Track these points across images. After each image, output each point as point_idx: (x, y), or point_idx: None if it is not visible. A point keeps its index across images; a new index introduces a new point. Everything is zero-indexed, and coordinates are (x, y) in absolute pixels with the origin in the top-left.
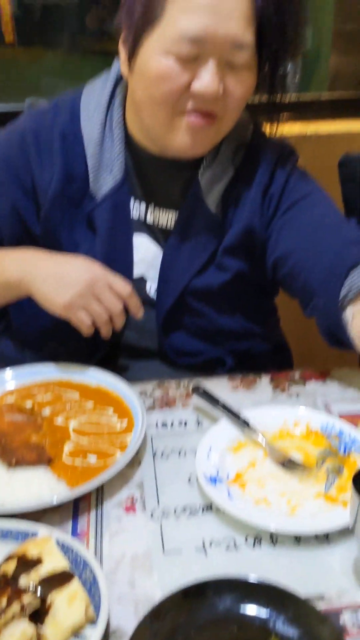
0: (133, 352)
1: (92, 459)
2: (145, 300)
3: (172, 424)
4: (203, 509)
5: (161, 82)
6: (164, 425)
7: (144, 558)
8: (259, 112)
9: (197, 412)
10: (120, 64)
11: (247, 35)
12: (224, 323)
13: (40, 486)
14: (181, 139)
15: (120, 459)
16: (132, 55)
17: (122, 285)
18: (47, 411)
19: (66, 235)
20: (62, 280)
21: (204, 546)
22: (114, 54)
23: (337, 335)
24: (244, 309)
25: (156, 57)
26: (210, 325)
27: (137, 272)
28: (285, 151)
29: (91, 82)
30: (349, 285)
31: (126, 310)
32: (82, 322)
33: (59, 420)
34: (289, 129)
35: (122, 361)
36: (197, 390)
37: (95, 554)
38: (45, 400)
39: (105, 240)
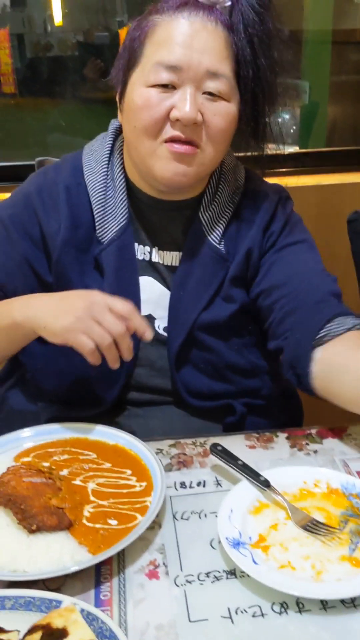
0: (145, 391)
1: (113, 522)
2: (156, 338)
3: (190, 485)
4: (227, 575)
5: (143, 111)
6: (183, 485)
7: (169, 627)
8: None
9: (214, 471)
10: (118, 113)
11: (221, 66)
12: (233, 358)
13: (61, 552)
14: (165, 166)
15: (142, 522)
16: (121, 96)
17: (122, 305)
18: (64, 472)
19: (77, 279)
20: (62, 308)
21: (230, 614)
22: (113, 102)
23: (297, 369)
24: (251, 344)
25: (139, 89)
26: (220, 360)
27: (144, 310)
28: (283, 195)
29: (90, 142)
30: (328, 330)
31: (136, 341)
32: (84, 345)
33: (77, 482)
34: (293, 180)
35: (134, 409)
36: (215, 449)
37: (120, 623)
38: (62, 460)
39: (112, 280)
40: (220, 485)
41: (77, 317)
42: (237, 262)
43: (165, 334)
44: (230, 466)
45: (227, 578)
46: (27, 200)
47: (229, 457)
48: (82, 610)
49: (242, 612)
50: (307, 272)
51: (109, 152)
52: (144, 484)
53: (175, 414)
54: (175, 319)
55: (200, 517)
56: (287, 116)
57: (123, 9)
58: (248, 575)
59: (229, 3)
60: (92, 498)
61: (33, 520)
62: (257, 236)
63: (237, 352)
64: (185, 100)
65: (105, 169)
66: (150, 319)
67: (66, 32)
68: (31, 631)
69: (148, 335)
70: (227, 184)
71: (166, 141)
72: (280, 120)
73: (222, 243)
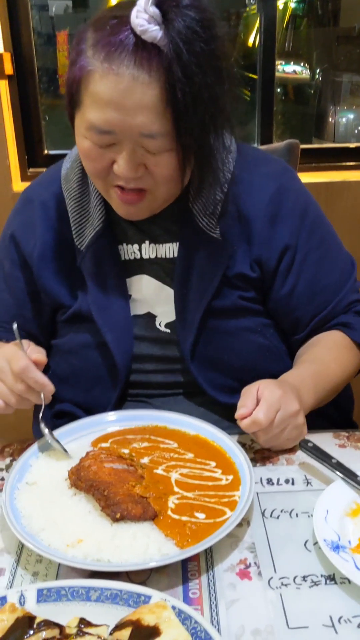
0: (150, 387)
1: (200, 516)
2: (158, 335)
3: (278, 482)
4: (326, 580)
5: (87, 159)
6: (270, 482)
7: (266, 633)
8: None
9: (303, 469)
10: None
11: (156, 126)
12: (255, 339)
13: (147, 544)
14: (118, 208)
15: (232, 518)
16: (72, 127)
17: (14, 365)
18: (145, 460)
19: (63, 293)
20: None
21: (332, 622)
22: None
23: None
24: (271, 324)
25: (80, 137)
26: (242, 343)
27: (142, 310)
28: (282, 181)
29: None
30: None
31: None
32: None
33: (160, 471)
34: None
35: (152, 401)
36: (305, 445)
37: (212, 624)
38: (142, 447)
39: (93, 287)
40: (311, 484)
41: None
42: (244, 263)
43: (168, 331)
44: (323, 464)
45: (326, 583)
46: (8, 227)
47: (321, 454)
48: (173, 608)
49: (345, 621)
50: (326, 292)
51: None
52: (230, 477)
53: (192, 407)
54: (184, 318)
55: (291, 516)
56: (351, 115)
57: None
58: (349, 582)
59: (159, 33)
60: (176, 489)
61: (117, 508)
62: (263, 232)
63: (259, 333)
64: (123, 160)
65: (80, 175)
66: (149, 317)
67: None
68: (120, 626)
69: (47, 391)
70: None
71: (115, 185)
72: (344, 119)
73: (218, 231)
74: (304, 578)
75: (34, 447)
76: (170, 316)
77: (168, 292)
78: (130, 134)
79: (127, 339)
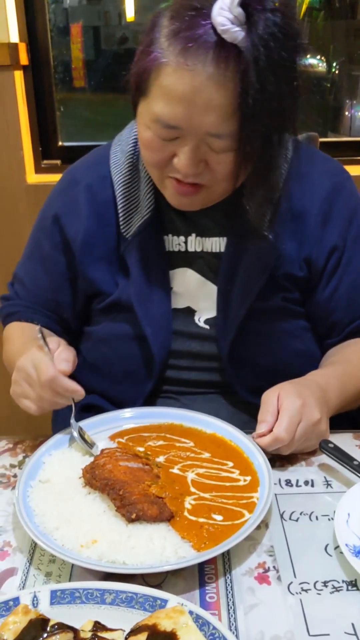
0: (183, 384)
1: (218, 518)
2: (196, 331)
3: (297, 483)
4: (348, 586)
5: (147, 149)
6: (289, 483)
7: None
8: None
9: (323, 470)
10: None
11: (224, 126)
12: (292, 344)
13: (164, 545)
14: (171, 198)
15: (251, 520)
16: (134, 113)
17: (43, 374)
18: (161, 459)
19: (103, 280)
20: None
21: (355, 630)
22: None
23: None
24: (310, 327)
25: (142, 126)
26: (279, 348)
27: (182, 303)
28: (337, 179)
29: (122, 131)
30: None
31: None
32: (27, 409)
33: (176, 471)
34: None
35: (181, 398)
36: (326, 446)
37: (230, 630)
38: (157, 446)
39: (137, 277)
40: (331, 486)
41: (15, 382)
42: (292, 262)
43: (207, 327)
44: (343, 466)
45: (347, 589)
46: (50, 207)
47: (342, 455)
48: (190, 613)
49: None
50: None
51: (135, 140)
52: (248, 478)
53: (222, 406)
54: (225, 314)
55: (310, 519)
56: None
57: None
58: None
59: (241, 34)
60: (192, 489)
61: (133, 508)
62: (315, 232)
63: (298, 338)
64: (184, 156)
65: (131, 159)
66: (189, 312)
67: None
68: (135, 631)
69: (77, 396)
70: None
71: (171, 176)
72: None
73: (270, 230)
74: (325, 583)
75: (47, 444)
76: (210, 312)
77: (210, 288)
78: (197, 131)
79: (165, 333)
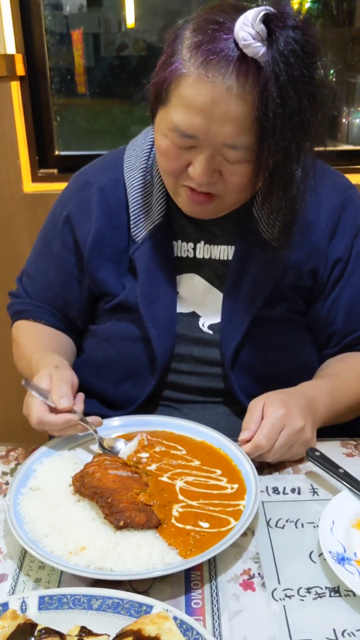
0: (183, 390)
1: (204, 525)
2: (200, 336)
3: (284, 491)
4: (330, 592)
5: (163, 157)
6: (276, 491)
7: None
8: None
9: (310, 478)
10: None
11: (240, 138)
12: (295, 355)
13: (151, 552)
14: (185, 206)
15: (237, 528)
16: (152, 121)
17: (31, 419)
18: (152, 467)
19: (111, 281)
20: None
21: (335, 635)
22: None
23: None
24: (312, 339)
25: (159, 134)
26: (281, 358)
27: (187, 308)
28: (347, 195)
29: (136, 137)
30: None
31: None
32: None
33: (165, 479)
34: None
35: (181, 407)
36: (312, 454)
37: (214, 635)
38: (157, 452)
39: (144, 280)
40: (317, 494)
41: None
42: (299, 273)
43: (210, 332)
44: (329, 474)
45: (330, 596)
46: (62, 208)
47: (328, 464)
48: (174, 618)
49: (349, 634)
50: None
51: (150, 146)
52: (235, 486)
53: (222, 416)
54: (230, 320)
55: (296, 526)
56: None
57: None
58: (354, 594)
59: (262, 50)
60: (180, 497)
61: (121, 516)
62: (322, 244)
63: (300, 348)
64: (200, 165)
65: (145, 164)
66: (194, 317)
67: (142, 33)
68: (120, 636)
69: (72, 423)
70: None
71: (185, 185)
72: (358, 121)
73: (279, 241)
74: (308, 590)
75: (39, 452)
76: (215, 318)
77: (216, 294)
78: (213, 142)
79: (169, 336)
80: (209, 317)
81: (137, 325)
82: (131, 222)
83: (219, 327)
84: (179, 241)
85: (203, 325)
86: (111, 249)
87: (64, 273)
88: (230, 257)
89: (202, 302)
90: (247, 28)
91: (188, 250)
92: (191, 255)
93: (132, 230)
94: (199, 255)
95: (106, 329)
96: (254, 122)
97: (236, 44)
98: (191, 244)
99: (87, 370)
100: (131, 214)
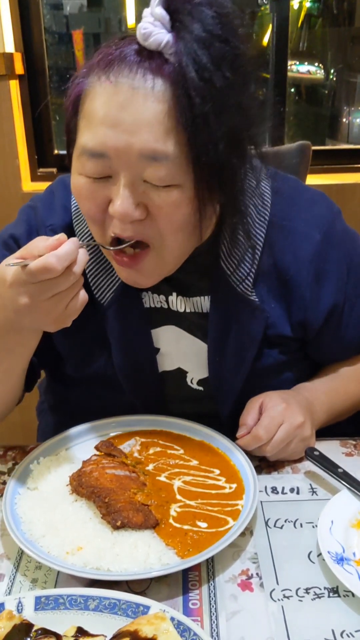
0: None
1: (202, 525)
2: (189, 394)
3: (283, 490)
4: (329, 592)
5: (80, 200)
6: (274, 490)
7: None
8: None
9: (309, 477)
10: None
11: (161, 144)
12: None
13: (148, 552)
14: (119, 270)
15: (235, 527)
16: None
17: (44, 244)
18: (150, 467)
19: (76, 347)
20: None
21: (334, 636)
22: None
23: None
24: (310, 366)
25: (74, 175)
26: None
27: (171, 365)
28: (327, 226)
29: None
30: None
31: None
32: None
33: (162, 479)
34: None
35: None
36: (311, 453)
37: (212, 636)
38: (152, 453)
39: (120, 344)
40: (316, 494)
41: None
42: (284, 325)
43: (201, 388)
44: (328, 473)
45: (329, 596)
46: (14, 244)
47: (327, 463)
48: (172, 619)
49: (348, 635)
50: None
51: None
52: (234, 485)
53: None
54: (219, 378)
55: (295, 526)
56: None
57: None
58: (353, 595)
59: (166, 37)
60: (178, 497)
61: (118, 515)
62: (307, 304)
63: (299, 382)
64: (118, 194)
65: None
66: (180, 373)
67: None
68: (117, 637)
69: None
70: (246, 216)
71: (111, 244)
72: (358, 120)
73: (254, 294)
74: (307, 590)
75: (36, 451)
76: (202, 372)
77: (200, 346)
78: (128, 157)
79: (157, 401)
80: (196, 372)
81: (121, 395)
82: (92, 286)
83: (208, 383)
84: (149, 292)
85: (191, 381)
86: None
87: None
88: (205, 309)
89: (186, 357)
90: (146, 18)
91: (161, 302)
92: (165, 307)
93: (94, 291)
94: (173, 307)
95: (83, 402)
96: (177, 122)
97: (139, 44)
98: (162, 296)
99: (78, 417)
100: (88, 276)
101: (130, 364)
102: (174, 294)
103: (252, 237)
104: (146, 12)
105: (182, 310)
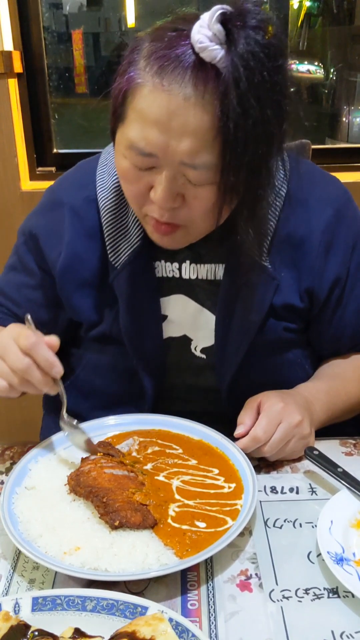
0: (187, 415)
1: (201, 525)
2: (192, 361)
3: (282, 490)
4: (329, 593)
5: (124, 181)
6: (274, 490)
7: None
8: None
9: (308, 477)
10: None
11: (201, 156)
12: (294, 374)
13: (146, 553)
14: (152, 234)
15: (233, 527)
16: (113, 142)
17: (23, 339)
18: (148, 467)
19: (89, 307)
20: None
21: (334, 637)
22: None
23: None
24: (311, 353)
25: (119, 155)
26: (280, 377)
27: (178, 332)
28: (339, 204)
29: (109, 146)
30: None
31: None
32: None
33: (161, 478)
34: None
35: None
36: (310, 453)
37: (210, 637)
38: (150, 452)
39: (127, 309)
40: (316, 493)
41: None
42: (292, 293)
43: (204, 356)
44: (328, 473)
45: (328, 597)
46: (31, 226)
47: (326, 462)
48: (170, 620)
49: (347, 636)
50: None
51: None
52: (233, 485)
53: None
54: (224, 346)
55: (294, 526)
56: None
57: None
58: (353, 596)
59: (220, 53)
60: (177, 496)
61: (116, 515)
62: (317, 263)
63: (299, 366)
64: (160, 187)
65: (117, 184)
66: (185, 340)
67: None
68: (115, 638)
69: (55, 371)
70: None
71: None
72: (358, 119)
73: (269, 260)
74: (306, 591)
75: (34, 450)
76: (207, 341)
77: (207, 316)
78: (172, 160)
79: (158, 366)
80: (202, 340)
81: (124, 357)
82: (107, 247)
83: (212, 351)
84: (162, 261)
85: (195, 349)
86: (86, 274)
87: (36, 290)
88: (217, 277)
89: (193, 325)
90: (203, 30)
91: (173, 270)
92: (177, 275)
93: (109, 256)
94: (185, 275)
95: (91, 358)
96: (215, 136)
97: (194, 50)
98: (176, 264)
99: (75, 393)
100: (106, 239)
101: (136, 328)
102: (187, 261)
103: (270, 210)
104: (203, 22)
105: (193, 277)
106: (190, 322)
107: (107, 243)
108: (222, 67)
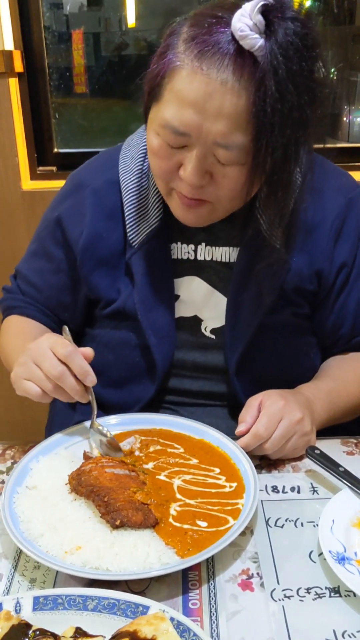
0: (186, 395)
1: (202, 524)
2: (202, 341)
3: (283, 489)
4: (330, 592)
5: (155, 157)
6: (275, 489)
7: None
8: None
9: (309, 476)
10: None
11: (234, 138)
12: (300, 360)
13: (148, 552)
14: (177, 211)
15: (235, 527)
16: (145, 119)
17: (60, 347)
18: (149, 466)
19: (105, 285)
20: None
21: (335, 637)
22: None
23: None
24: (317, 343)
25: (152, 132)
26: (286, 363)
27: (189, 312)
28: (351, 195)
29: (132, 135)
30: None
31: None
32: (28, 391)
33: (162, 477)
34: None
35: (181, 410)
36: (312, 452)
37: (212, 637)
38: (152, 451)
39: (142, 286)
40: (317, 493)
41: (19, 363)
42: (303, 275)
43: (213, 337)
44: (329, 472)
45: (330, 596)
46: (55, 210)
47: (328, 462)
48: (171, 619)
49: (349, 635)
50: None
51: (145, 147)
52: (234, 484)
53: (222, 420)
54: (234, 326)
55: (296, 525)
56: None
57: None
58: (355, 595)
59: (260, 42)
60: (178, 496)
61: (117, 515)
62: (328, 247)
63: (305, 354)
64: (190, 165)
65: (140, 166)
66: (195, 320)
67: (143, 32)
68: (116, 638)
69: (89, 380)
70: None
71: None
72: (359, 119)
73: (283, 243)
74: (308, 590)
75: (35, 450)
76: (217, 322)
77: (218, 298)
78: (205, 140)
79: (169, 343)
80: (211, 321)
81: (136, 332)
82: (127, 227)
83: (222, 331)
84: (179, 243)
85: (205, 329)
86: (106, 253)
87: (58, 273)
88: (231, 259)
89: (204, 306)
90: (244, 19)
91: (189, 252)
92: (192, 257)
93: (128, 235)
94: (200, 257)
95: (105, 334)
96: (249, 120)
97: (233, 37)
98: (192, 246)
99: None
100: (127, 219)
101: (149, 305)
102: (203, 244)
103: (288, 197)
104: (244, 11)
105: (208, 259)
106: (201, 303)
107: (127, 223)
108: (260, 55)
